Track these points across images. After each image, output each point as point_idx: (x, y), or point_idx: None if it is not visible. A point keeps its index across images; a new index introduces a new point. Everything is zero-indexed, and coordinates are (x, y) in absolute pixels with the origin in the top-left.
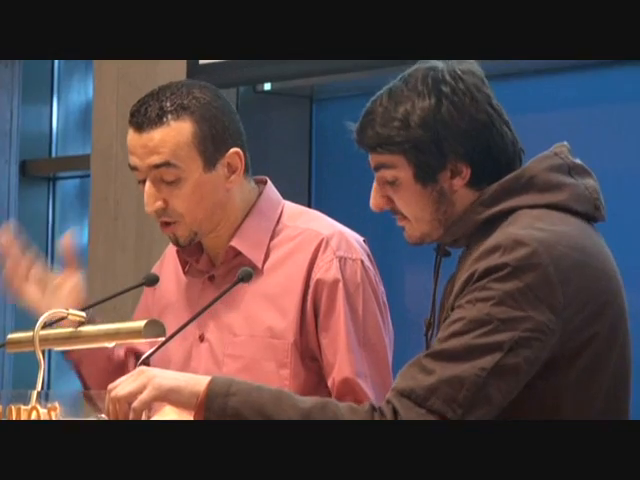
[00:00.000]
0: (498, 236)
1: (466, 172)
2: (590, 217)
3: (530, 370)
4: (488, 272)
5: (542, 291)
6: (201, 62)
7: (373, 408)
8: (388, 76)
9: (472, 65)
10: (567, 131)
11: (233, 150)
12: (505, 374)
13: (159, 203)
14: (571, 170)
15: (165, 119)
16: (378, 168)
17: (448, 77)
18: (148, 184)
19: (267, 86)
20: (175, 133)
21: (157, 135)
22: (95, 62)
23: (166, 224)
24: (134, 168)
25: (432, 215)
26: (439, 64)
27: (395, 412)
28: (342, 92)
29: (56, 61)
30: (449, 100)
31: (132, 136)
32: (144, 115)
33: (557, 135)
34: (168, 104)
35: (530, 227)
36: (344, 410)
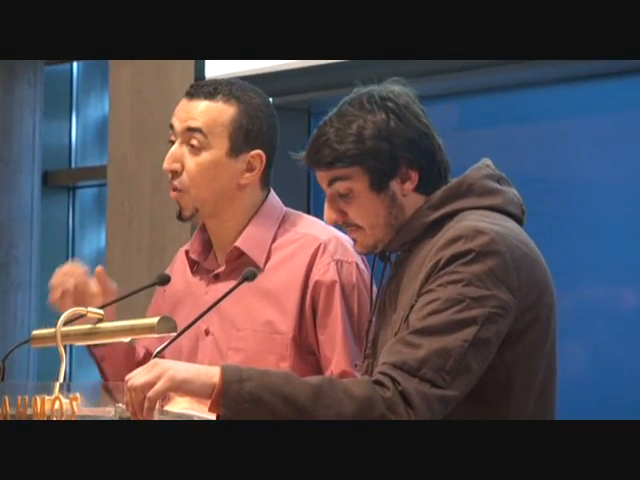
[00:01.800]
0: (456, 228)
1: (415, 177)
2: (518, 220)
3: (497, 343)
4: (454, 258)
5: (502, 274)
6: (208, 78)
7: (371, 380)
8: None
9: (403, 87)
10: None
11: (258, 151)
12: (481, 346)
13: (176, 165)
14: (499, 180)
15: (216, 97)
16: (332, 182)
17: (390, 95)
18: (176, 145)
19: None
20: (219, 111)
21: (203, 105)
22: (111, 80)
23: (175, 190)
24: (171, 127)
25: (385, 220)
26: (375, 87)
27: (394, 382)
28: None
29: (74, 79)
30: (395, 114)
31: (181, 103)
32: (200, 87)
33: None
34: (224, 88)
35: (483, 221)
36: (348, 382)
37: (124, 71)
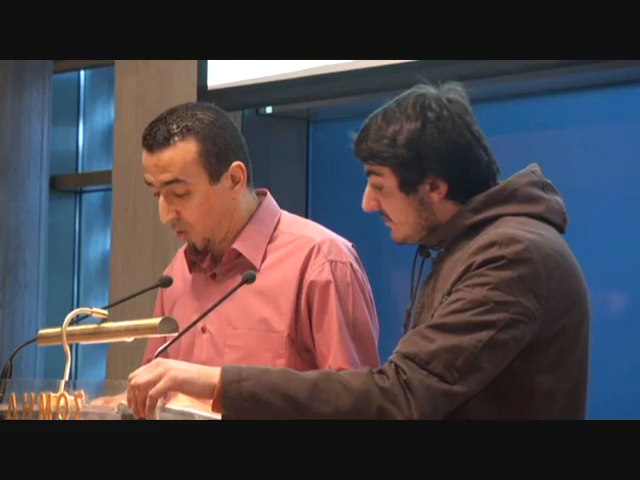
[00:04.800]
0: (491, 235)
1: (443, 187)
2: (559, 228)
3: (516, 348)
4: (486, 262)
5: (531, 282)
6: (210, 88)
7: (371, 370)
8: (376, 101)
9: (459, 94)
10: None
11: (236, 163)
12: (496, 348)
13: (172, 215)
14: (544, 187)
15: (172, 141)
16: (369, 174)
17: (434, 104)
18: (162, 198)
19: (269, 109)
20: (182, 153)
21: (166, 155)
22: (116, 88)
23: (180, 233)
24: (149, 183)
25: (415, 220)
26: (430, 91)
27: (397, 370)
28: (335, 115)
29: (81, 87)
30: (433, 125)
31: (145, 156)
32: (154, 138)
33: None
34: (174, 127)
35: (520, 229)
36: (346, 375)
37: (128, 79)
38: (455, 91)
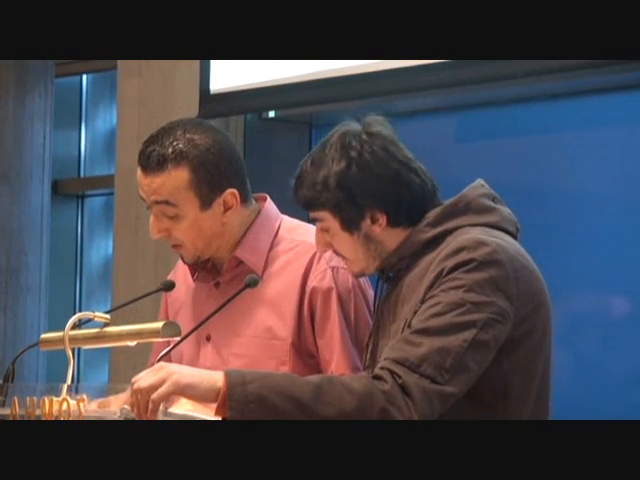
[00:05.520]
0: (459, 241)
1: (382, 219)
2: (513, 236)
3: (495, 348)
4: (458, 266)
5: (502, 283)
6: (212, 92)
7: (370, 376)
8: (378, 105)
9: (382, 126)
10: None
11: (229, 191)
12: (480, 347)
13: (162, 233)
14: (494, 199)
15: (165, 167)
16: (312, 220)
17: (355, 142)
18: (153, 216)
19: (271, 114)
20: (173, 180)
21: (158, 179)
22: (118, 92)
23: (173, 246)
24: (142, 198)
25: (364, 254)
26: (352, 128)
27: (393, 375)
28: (338, 119)
29: (84, 91)
30: (356, 162)
31: (139, 173)
32: (148, 159)
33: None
34: (169, 151)
35: (484, 235)
36: (347, 378)
37: (131, 83)
38: (377, 122)
